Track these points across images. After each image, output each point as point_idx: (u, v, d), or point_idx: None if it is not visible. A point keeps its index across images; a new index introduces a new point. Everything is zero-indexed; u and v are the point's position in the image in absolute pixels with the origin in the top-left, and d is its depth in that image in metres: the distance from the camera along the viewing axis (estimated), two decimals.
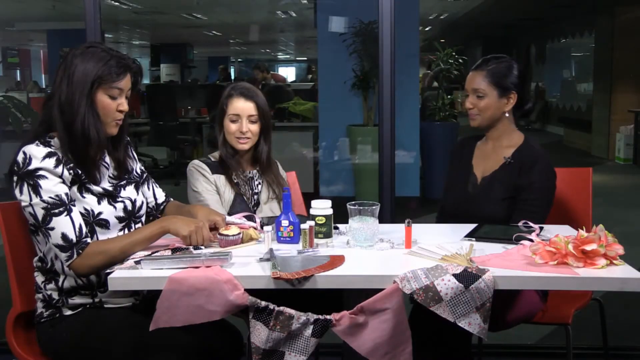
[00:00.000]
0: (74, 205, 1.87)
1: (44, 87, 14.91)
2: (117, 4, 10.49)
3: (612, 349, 2.84)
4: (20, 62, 21.41)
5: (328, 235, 2.02)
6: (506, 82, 2.30)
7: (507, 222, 2.22)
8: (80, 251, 1.83)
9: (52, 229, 1.82)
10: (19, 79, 19.36)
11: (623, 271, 1.69)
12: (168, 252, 1.88)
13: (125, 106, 1.95)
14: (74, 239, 1.83)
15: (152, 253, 1.86)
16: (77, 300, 1.94)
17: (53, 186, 1.82)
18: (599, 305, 2.45)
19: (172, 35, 16.67)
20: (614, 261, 1.73)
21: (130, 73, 1.94)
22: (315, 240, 1.99)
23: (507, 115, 2.34)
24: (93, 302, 1.95)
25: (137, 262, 1.78)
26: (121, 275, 1.74)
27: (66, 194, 1.84)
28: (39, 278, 1.97)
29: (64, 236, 1.83)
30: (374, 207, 1.97)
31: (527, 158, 2.29)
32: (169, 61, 17.61)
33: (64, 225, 1.83)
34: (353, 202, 1.99)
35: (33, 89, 12.67)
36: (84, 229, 1.86)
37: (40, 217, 1.83)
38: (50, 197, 1.82)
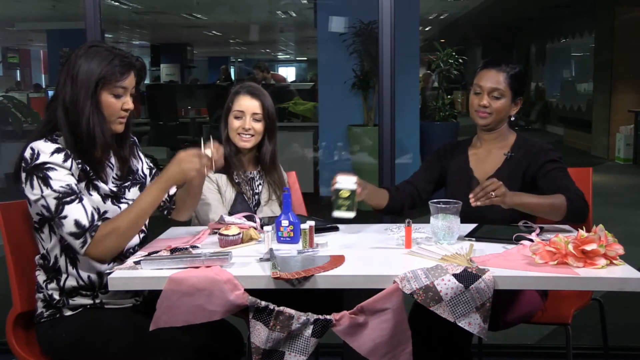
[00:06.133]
0: (84, 196, 1.87)
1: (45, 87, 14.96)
2: (117, 4, 10.50)
3: (612, 349, 2.84)
4: (20, 62, 21.44)
5: (351, 208, 2.06)
6: (520, 87, 2.33)
7: (511, 219, 2.21)
8: (93, 233, 1.82)
9: (65, 217, 1.81)
10: (19, 79, 19.37)
11: (623, 271, 1.69)
12: (167, 252, 1.88)
13: (130, 104, 1.95)
14: (87, 224, 1.82)
15: (152, 253, 1.86)
16: (77, 300, 1.93)
17: (63, 176, 1.82)
18: (599, 305, 2.45)
19: (172, 35, 16.68)
20: (614, 261, 1.73)
21: (134, 71, 1.94)
22: (317, 240, 1.98)
23: (512, 119, 2.37)
24: (94, 303, 1.94)
25: (137, 263, 1.78)
26: (121, 276, 1.74)
27: (76, 185, 1.84)
28: (41, 277, 1.96)
29: (77, 222, 1.81)
30: (456, 205, 1.99)
31: (528, 147, 2.32)
32: (169, 61, 17.64)
33: (76, 212, 1.82)
34: (436, 200, 2.01)
35: (40, 90, 12.72)
36: (96, 215, 1.86)
37: (53, 207, 1.81)
38: (61, 187, 1.81)
